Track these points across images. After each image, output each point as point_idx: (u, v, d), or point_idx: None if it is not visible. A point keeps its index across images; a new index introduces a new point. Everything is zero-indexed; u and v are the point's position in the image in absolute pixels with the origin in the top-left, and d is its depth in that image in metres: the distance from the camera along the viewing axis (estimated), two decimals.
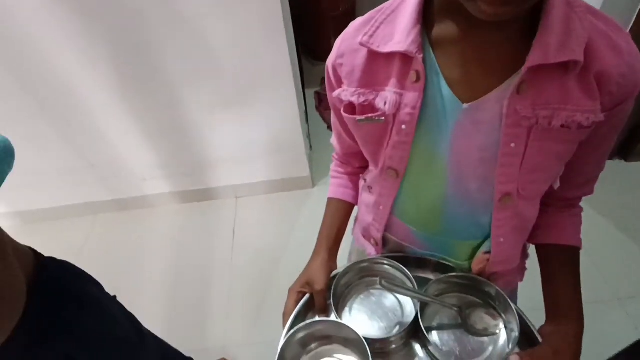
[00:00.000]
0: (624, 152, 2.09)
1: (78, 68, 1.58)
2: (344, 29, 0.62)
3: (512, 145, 0.53)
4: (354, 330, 0.63)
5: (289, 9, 1.63)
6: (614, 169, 2.02)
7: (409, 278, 0.69)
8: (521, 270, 0.78)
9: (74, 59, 1.56)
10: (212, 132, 1.87)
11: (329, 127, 2.40)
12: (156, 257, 1.96)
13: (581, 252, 0.68)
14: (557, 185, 0.62)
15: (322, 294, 0.71)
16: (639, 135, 1.99)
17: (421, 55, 0.52)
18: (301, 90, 1.99)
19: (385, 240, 0.78)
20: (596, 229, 1.81)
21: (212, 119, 1.81)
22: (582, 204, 0.69)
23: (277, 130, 1.89)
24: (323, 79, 2.58)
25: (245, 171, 2.07)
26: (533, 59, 0.47)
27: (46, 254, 0.82)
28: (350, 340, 0.66)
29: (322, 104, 2.54)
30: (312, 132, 2.30)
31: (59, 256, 0.84)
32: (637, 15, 1.65)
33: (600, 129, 0.53)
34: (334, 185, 0.82)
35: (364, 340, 0.62)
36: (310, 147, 2.26)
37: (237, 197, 2.17)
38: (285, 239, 1.94)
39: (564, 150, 0.55)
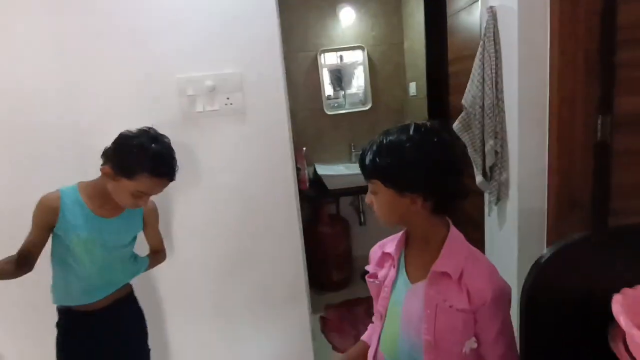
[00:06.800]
0: None
1: None
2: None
3: (428, 311, 0.96)
4: None
5: (304, 251, 2.27)
6: None
7: None
8: None
9: None
10: (236, 343, 2.19)
11: (334, 348, 2.70)
12: None
13: None
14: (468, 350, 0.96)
15: None
16: None
17: (397, 257, 1.06)
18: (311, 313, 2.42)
19: None
20: None
21: (229, 335, 2.16)
22: None
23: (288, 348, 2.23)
24: (327, 305, 3.07)
25: None
26: (435, 267, 0.96)
27: None
28: None
29: (326, 327, 2.90)
30: (316, 351, 2.56)
31: None
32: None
33: (480, 316, 0.93)
34: (367, 333, 1.24)
35: None
36: None
37: None
38: None
39: (457, 323, 0.94)
